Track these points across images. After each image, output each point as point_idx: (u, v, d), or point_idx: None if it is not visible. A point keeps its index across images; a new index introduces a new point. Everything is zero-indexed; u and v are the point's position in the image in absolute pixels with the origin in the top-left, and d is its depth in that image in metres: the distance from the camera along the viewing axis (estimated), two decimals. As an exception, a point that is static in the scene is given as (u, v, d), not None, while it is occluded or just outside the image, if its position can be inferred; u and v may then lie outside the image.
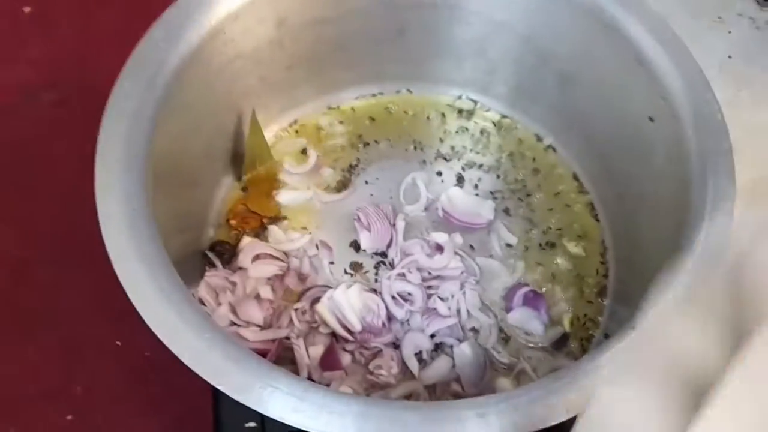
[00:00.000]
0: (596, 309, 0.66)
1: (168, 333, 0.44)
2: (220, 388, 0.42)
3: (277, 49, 0.66)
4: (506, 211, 0.71)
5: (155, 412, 0.70)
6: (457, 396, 0.59)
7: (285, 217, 0.70)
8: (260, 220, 0.69)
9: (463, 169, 0.74)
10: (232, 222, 0.68)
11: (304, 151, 0.74)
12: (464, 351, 0.60)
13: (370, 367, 0.59)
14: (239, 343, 0.45)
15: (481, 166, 0.74)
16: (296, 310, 0.62)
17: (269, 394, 0.42)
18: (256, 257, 0.64)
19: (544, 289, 0.66)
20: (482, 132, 0.76)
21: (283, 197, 0.70)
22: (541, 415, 0.41)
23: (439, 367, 0.60)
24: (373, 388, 0.59)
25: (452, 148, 0.75)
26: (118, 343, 0.73)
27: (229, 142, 0.69)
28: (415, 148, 0.75)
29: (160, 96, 0.54)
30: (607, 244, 0.69)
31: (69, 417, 0.69)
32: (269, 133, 0.73)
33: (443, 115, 0.77)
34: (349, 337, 0.60)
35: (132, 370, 0.72)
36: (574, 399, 0.42)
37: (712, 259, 0.49)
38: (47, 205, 0.81)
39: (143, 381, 0.71)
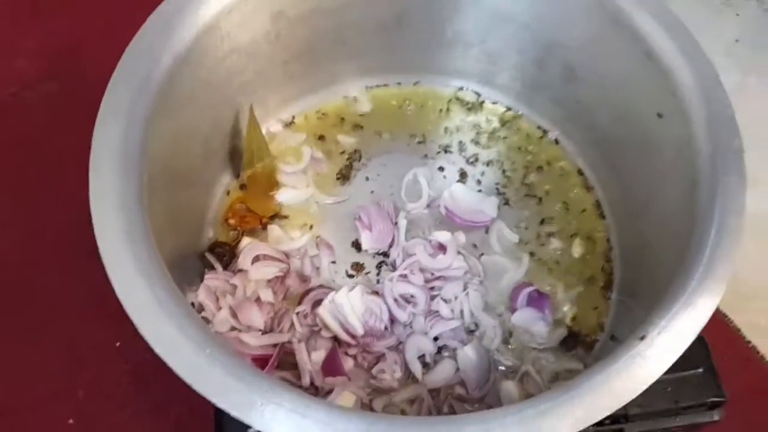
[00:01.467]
0: (602, 309, 0.65)
1: (167, 348, 0.43)
2: (220, 406, 0.41)
3: (274, 42, 0.65)
4: (509, 206, 0.70)
5: (157, 414, 0.69)
6: (461, 399, 0.58)
7: (285, 216, 0.68)
8: (259, 220, 0.67)
9: (467, 162, 0.72)
10: (231, 221, 0.67)
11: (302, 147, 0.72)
12: (468, 354, 0.59)
13: (373, 371, 0.58)
14: (240, 356, 0.44)
15: (484, 160, 0.72)
16: (297, 313, 0.61)
17: (272, 412, 0.41)
18: (256, 258, 0.63)
19: (548, 288, 0.65)
20: (486, 125, 0.75)
21: (283, 196, 0.69)
22: (548, 430, 0.41)
23: (443, 370, 0.59)
24: (376, 393, 0.58)
25: (455, 142, 0.73)
26: (118, 344, 0.73)
27: (227, 140, 0.67)
28: (417, 142, 0.73)
29: (153, 96, 0.52)
30: (612, 242, 0.68)
31: (71, 421, 0.69)
32: (267, 129, 0.72)
33: (446, 108, 0.76)
34: (352, 342, 0.59)
35: (133, 372, 0.71)
36: (581, 414, 0.41)
37: (723, 261, 0.48)
38: (47, 204, 0.79)
39: (144, 383, 0.71)
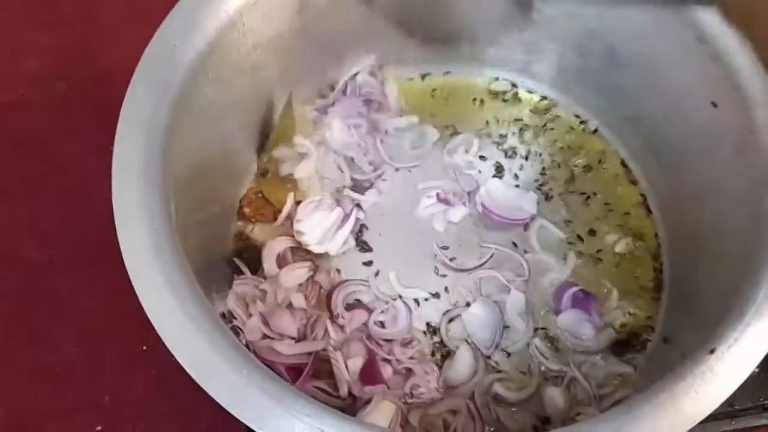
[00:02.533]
0: (652, 309, 0.61)
1: (203, 371, 0.40)
2: (259, 432, 0.38)
3: (300, 35, 0.61)
4: (549, 201, 0.66)
5: (186, 419, 0.67)
6: (498, 400, 0.56)
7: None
8: (274, 213, 0.64)
9: (505, 155, 0.69)
10: (246, 210, 0.64)
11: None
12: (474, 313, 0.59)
13: (406, 388, 0.56)
14: (274, 367, 0.42)
15: (522, 153, 0.69)
16: (331, 317, 0.58)
17: (316, 438, 0.38)
18: (282, 260, 0.61)
19: (593, 289, 0.62)
20: (523, 116, 0.71)
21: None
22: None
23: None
24: (413, 403, 0.56)
25: (490, 134, 0.70)
26: (144, 348, 0.71)
27: (252, 137, 0.64)
28: (450, 134, 0.70)
29: (175, 98, 0.49)
30: (661, 238, 0.64)
31: (99, 428, 0.67)
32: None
33: (480, 99, 0.72)
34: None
35: (159, 376, 0.69)
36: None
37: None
38: (61, 204, 0.77)
39: (172, 387, 0.69)
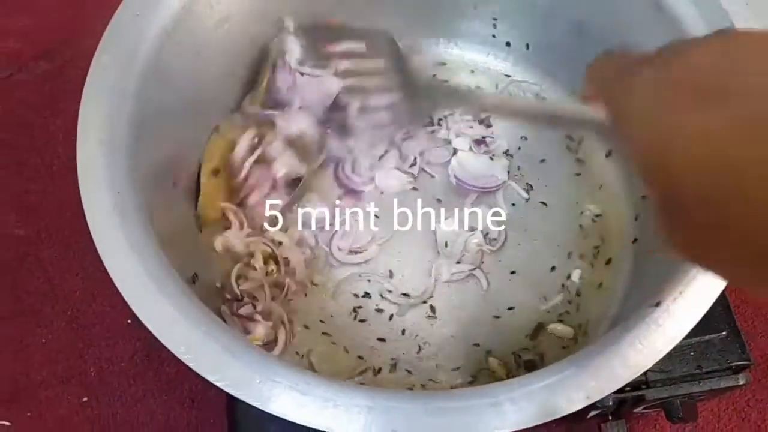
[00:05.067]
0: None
1: (163, 327, 0.42)
2: (217, 384, 0.40)
3: (270, 5, 0.61)
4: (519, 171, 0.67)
5: (169, 390, 0.69)
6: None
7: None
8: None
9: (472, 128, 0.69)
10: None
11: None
12: None
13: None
14: (238, 333, 0.43)
15: (489, 123, 0.69)
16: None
17: (269, 389, 0.40)
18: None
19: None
20: (490, 89, 0.71)
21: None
22: (559, 403, 0.39)
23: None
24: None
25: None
26: (129, 321, 0.72)
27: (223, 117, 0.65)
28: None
29: (142, 69, 0.50)
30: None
31: (84, 399, 0.69)
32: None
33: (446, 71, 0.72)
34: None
35: (144, 349, 0.71)
36: (594, 385, 0.39)
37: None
38: (48, 182, 0.79)
39: (156, 359, 0.71)
